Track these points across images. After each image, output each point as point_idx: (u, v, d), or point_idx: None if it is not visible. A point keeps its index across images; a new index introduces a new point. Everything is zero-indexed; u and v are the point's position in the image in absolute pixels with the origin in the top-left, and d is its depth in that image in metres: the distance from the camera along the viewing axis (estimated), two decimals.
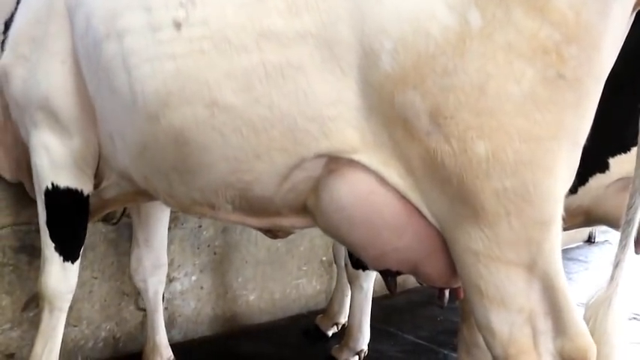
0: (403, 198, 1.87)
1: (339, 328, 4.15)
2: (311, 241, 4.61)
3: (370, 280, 3.61)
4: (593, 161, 2.30)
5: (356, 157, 1.87)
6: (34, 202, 3.17)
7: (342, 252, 3.96)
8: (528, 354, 1.78)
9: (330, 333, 4.14)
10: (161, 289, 3.29)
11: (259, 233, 4.31)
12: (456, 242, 1.80)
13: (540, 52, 1.63)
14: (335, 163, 1.92)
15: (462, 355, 2.66)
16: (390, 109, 1.77)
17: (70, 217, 2.66)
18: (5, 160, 3.10)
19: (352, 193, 1.91)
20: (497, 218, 1.71)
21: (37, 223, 3.28)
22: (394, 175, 1.85)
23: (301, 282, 4.68)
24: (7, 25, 2.93)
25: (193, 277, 3.99)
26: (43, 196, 2.63)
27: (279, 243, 4.47)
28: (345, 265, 3.66)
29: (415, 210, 1.87)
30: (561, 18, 1.62)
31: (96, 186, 2.66)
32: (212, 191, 2.13)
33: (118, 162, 2.43)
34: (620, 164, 2.39)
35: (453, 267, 1.91)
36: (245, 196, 2.09)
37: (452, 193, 1.75)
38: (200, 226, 3.97)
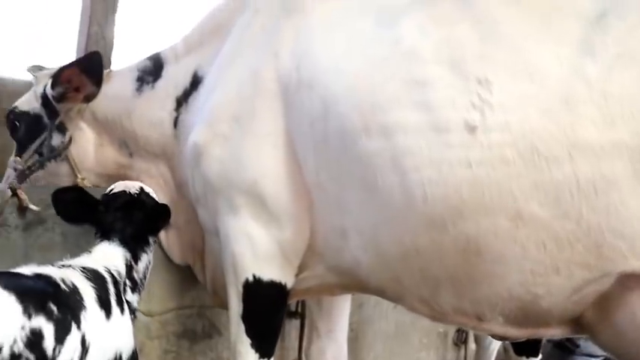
0: None
1: None
2: None
3: None
4: None
5: None
6: (197, 284, 3.05)
7: None
8: None
9: None
10: None
11: (390, 307, 4.21)
12: None
13: None
14: (636, 279, 1.79)
15: None
16: None
17: (270, 312, 2.49)
18: (176, 242, 2.96)
19: None
20: None
21: (199, 307, 3.17)
22: None
23: (421, 355, 4.50)
24: (180, 101, 2.83)
25: None
26: (240, 288, 2.44)
27: (406, 317, 4.31)
28: (505, 349, 3.50)
29: None
30: None
31: None
32: (490, 303, 1.99)
33: (342, 258, 2.27)
34: None
35: None
36: (526, 308, 1.96)
37: None
38: None
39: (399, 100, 1.98)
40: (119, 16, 4.15)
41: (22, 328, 1.63)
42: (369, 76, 2.08)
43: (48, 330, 1.69)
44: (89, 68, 2.88)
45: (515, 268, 1.88)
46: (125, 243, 2.30)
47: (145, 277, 2.37)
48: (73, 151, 2.96)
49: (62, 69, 2.89)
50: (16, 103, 3.14)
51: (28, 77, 4.63)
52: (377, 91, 2.04)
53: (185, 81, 2.81)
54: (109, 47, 4.10)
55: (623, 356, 1.99)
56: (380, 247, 2.12)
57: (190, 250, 2.95)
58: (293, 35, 2.37)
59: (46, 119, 2.98)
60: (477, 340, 4.14)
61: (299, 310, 3.30)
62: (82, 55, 4.00)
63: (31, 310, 1.67)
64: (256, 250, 2.39)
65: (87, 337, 1.85)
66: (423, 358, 4.53)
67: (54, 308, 1.75)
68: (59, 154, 2.94)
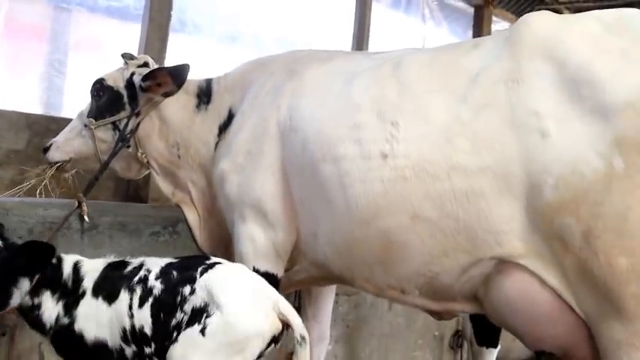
0: (558, 296, 2.39)
1: None
2: (426, 317, 5.07)
3: (493, 356, 4.07)
4: None
5: (522, 261, 2.42)
6: None
7: (469, 329, 4.43)
8: None
9: None
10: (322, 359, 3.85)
11: (385, 309, 4.92)
12: (602, 333, 2.30)
13: None
14: (504, 265, 2.47)
15: None
16: (550, 228, 2.33)
17: None
18: (208, 237, 3.77)
19: (518, 290, 2.46)
20: (635, 316, 2.21)
21: None
22: (552, 278, 2.38)
23: (417, 354, 5.16)
24: (221, 130, 3.57)
25: (329, 347, 4.54)
26: None
27: (400, 318, 5.01)
28: (471, 342, 4.15)
29: (567, 306, 2.39)
30: None
31: (286, 270, 3.26)
32: (406, 279, 2.72)
33: (316, 254, 3.04)
34: None
35: (596, 353, 2.41)
36: (431, 283, 2.67)
37: (599, 295, 2.27)
38: (337, 302, 4.54)
39: (344, 138, 2.78)
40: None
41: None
42: (329, 122, 2.88)
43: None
44: (176, 73, 3.48)
45: (417, 252, 2.59)
46: None
47: None
48: (140, 132, 3.65)
49: (156, 69, 3.58)
50: (104, 76, 3.70)
51: None
52: (332, 132, 2.83)
53: (224, 114, 3.59)
54: None
55: (503, 324, 2.65)
56: (335, 244, 2.88)
57: (220, 245, 3.70)
58: (290, 93, 3.19)
59: (125, 99, 3.62)
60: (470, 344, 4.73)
61: (296, 304, 4.07)
62: None
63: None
64: (256, 248, 3.17)
65: None
66: (418, 358, 5.19)
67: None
68: (132, 134, 3.61)
